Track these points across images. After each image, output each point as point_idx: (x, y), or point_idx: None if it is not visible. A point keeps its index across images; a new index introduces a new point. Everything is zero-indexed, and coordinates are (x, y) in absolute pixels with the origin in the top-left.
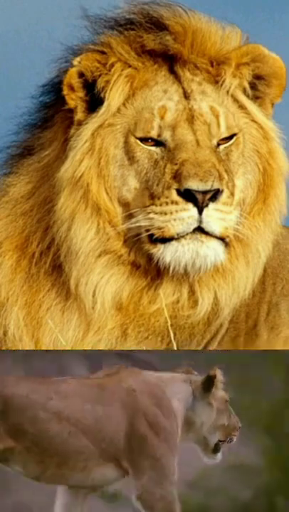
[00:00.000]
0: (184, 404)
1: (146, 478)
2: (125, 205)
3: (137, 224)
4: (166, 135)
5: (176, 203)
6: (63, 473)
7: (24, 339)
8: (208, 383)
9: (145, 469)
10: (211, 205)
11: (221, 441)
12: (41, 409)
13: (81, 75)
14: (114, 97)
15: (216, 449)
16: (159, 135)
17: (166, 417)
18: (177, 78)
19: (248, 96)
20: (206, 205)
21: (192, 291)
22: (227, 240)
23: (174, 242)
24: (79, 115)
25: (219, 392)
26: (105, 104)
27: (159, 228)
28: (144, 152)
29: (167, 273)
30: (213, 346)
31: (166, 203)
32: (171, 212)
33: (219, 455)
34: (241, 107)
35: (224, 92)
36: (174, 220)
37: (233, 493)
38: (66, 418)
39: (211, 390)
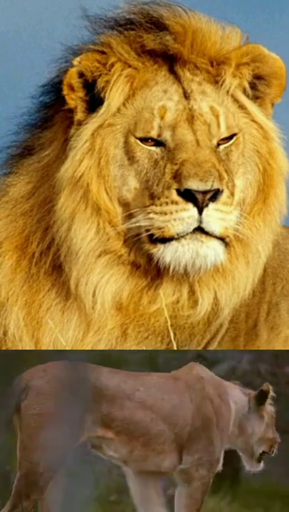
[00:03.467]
0: (240, 409)
1: (197, 457)
2: (125, 205)
3: (137, 224)
4: (166, 135)
5: (176, 203)
6: (147, 455)
7: (24, 339)
8: (262, 397)
9: (199, 449)
10: (211, 205)
11: (264, 452)
12: (128, 399)
13: (81, 75)
14: (114, 97)
15: (259, 459)
16: (159, 135)
17: (226, 409)
18: (177, 78)
19: (248, 96)
20: (206, 205)
21: (192, 291)
22: (227, 239)
23: (174, 242)
24: (79, 115)
25: (269, 407)
26: (105, 104)
27: (159, 228)
28: (144, 152)
29: (167, 273)
30: (213, 346)
31: (166, 203)
32: (171, 212)
33: (261, 464)
34: (241, 107)
35: (224, 92)
36: (174, 220)
37: None
38: (150, 407)
39: (264, 403)
